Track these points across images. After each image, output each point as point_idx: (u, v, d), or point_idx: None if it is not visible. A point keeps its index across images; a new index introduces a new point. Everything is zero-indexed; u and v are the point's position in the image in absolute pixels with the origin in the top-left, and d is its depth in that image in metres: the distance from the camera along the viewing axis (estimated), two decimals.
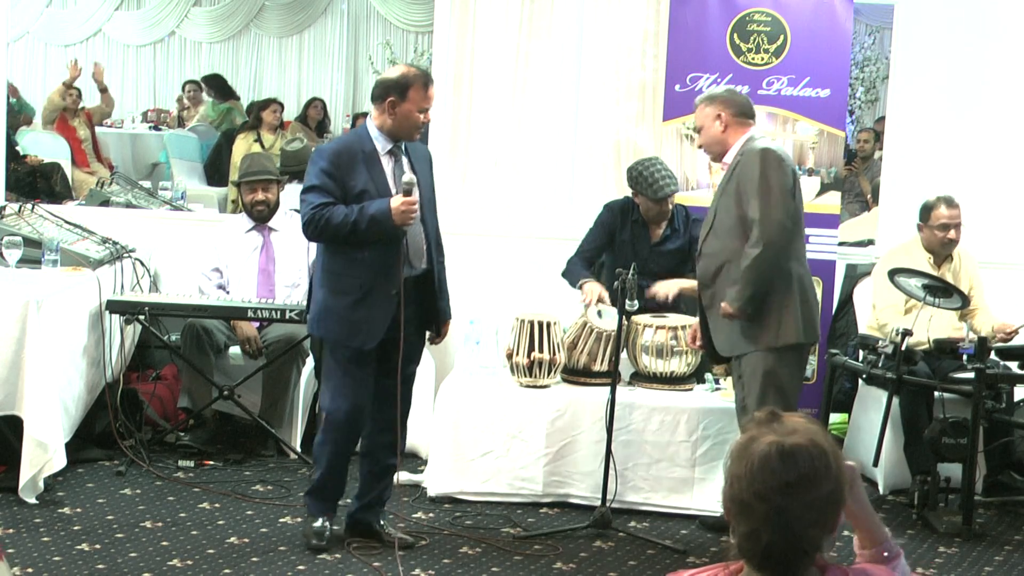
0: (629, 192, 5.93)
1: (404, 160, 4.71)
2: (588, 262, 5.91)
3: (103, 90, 11.31)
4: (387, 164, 4.67)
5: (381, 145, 4.66)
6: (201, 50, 14.27)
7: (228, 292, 6.16)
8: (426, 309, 4.79)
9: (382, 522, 4.93)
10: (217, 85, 12.29)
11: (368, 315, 4.63)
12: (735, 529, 2.13)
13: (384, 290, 4.62)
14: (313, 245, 5.09)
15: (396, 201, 4.52)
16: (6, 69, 7.69)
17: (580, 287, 5.69)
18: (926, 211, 5.94)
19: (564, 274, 5.88)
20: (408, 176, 4.62)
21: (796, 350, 4.91)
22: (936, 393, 5.50)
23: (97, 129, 10.75)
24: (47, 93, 11.60)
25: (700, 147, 5.10)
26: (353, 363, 4.70)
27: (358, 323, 4.63)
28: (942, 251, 5.94)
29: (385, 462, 4.86)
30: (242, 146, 10.23)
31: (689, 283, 5.68)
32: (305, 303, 4.98)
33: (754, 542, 2.10)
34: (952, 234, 5.89)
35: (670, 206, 5.83)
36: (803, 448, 2.10)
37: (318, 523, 4.85)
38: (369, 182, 4.60)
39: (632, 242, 5.87)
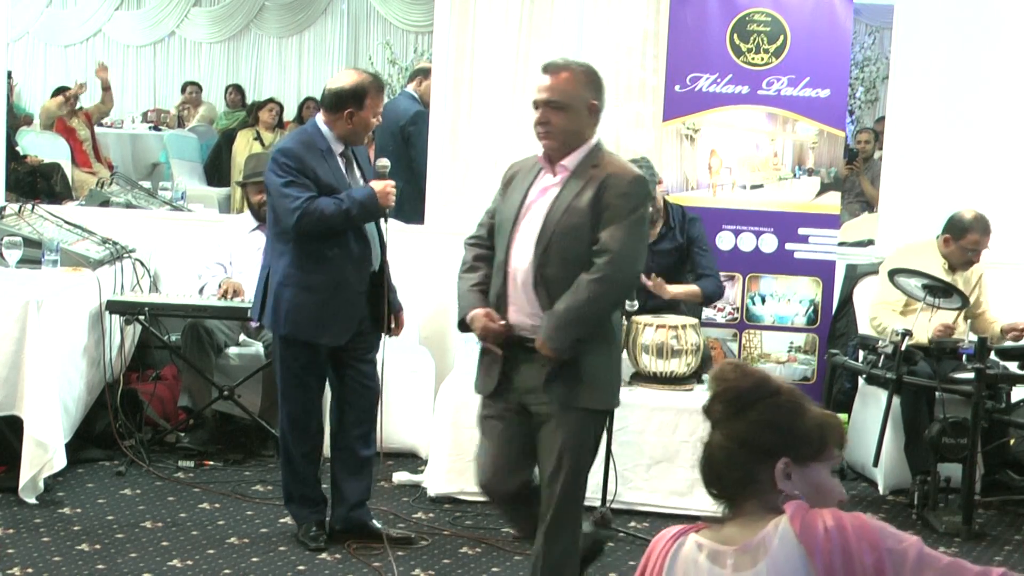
0: None
1: (354, 161, 4.82)
2: None
3: (106, 88, 11.32)
4: (341, 164, 4.75)
5: (335, 147, 4.73)
6: (201, 50, 14.26)
7: None
8: (375, 305, 4.80)
9: (375, 522, 4.93)
10: (239, 93, 12.40)
11: (339, 311, 4.68)
12: None
13: (354, 286, 4.69)
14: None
15: (379, 185, 4.69)
16: (6, 69, 7.69)
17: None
18: (960, 229, 5.88)
19: None
20: (383, 160, 4.84)
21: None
22: (937, 393, 5.50)
23: (97, 129, 10.75)
24: (47, 93, 11.60)
25: (545, 129, 3.86)
26: (307, 365, 4.76)
27: (329, 320, 4.68)
28: (960, 267, 5.95)
29: (361, 455, 4.88)
30: (242, 143, 10.25)
31: (685, 289, 5.71)
32: (260, 302, 4.85)
33: (701, 459, 2.22)
34: (978, 258, 5.91)
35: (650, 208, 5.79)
36: (760, 375, 2.20)
37: (311, 529, 4.87)
38: (331, 178, 4.68)
39: None
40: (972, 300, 5.92)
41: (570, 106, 3.84)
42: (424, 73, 7.47)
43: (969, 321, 6.00)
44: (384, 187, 4.67)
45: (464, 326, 3.97)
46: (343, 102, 4.66)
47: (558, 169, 3.87)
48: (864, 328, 6.25)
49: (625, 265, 3.80)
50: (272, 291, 4.73)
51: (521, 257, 3.85)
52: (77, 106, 10.33)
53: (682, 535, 2.22)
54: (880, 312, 5.85)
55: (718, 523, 2.20)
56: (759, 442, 2.14)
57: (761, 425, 2.14)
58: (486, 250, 4.01)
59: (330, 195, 4.61)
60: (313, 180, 4.61)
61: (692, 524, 2.25)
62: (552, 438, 3.86)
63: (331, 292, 4.65)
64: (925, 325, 5.62)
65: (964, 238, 5.86)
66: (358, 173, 4.81)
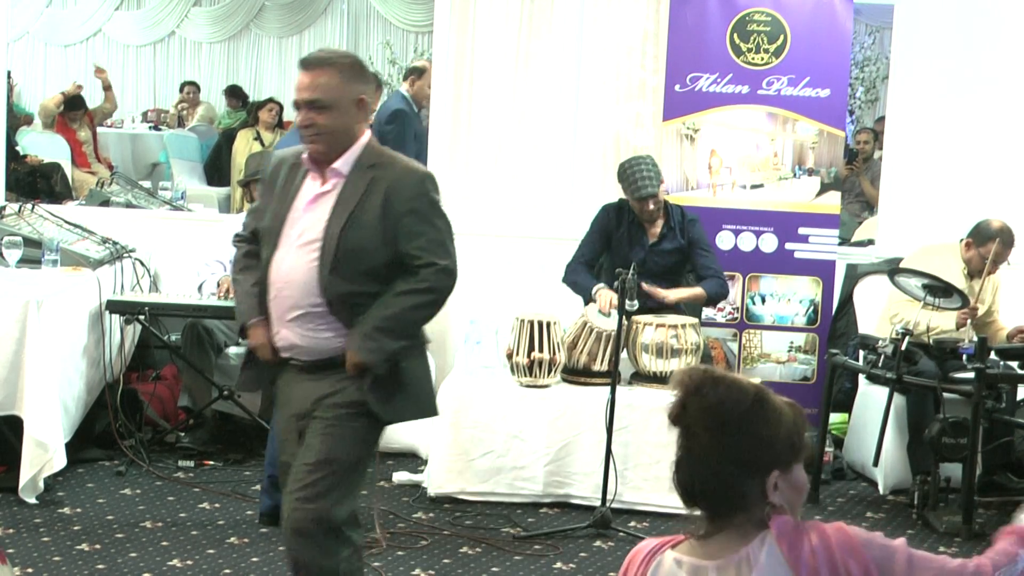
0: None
1: None
2: (589, 266, 5.89)
3: (107, 88, 11.34)
4: None
5: None
6: (201, 50, 14.28)
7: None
8: None
9: None
10: (238, 94, 12.40)
11: None
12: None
13: None
14: None
15: None
16: (6, 69, 7.69)
17: (596, 294, 5.64)
18: (984, 237, 5.89)
19: (568, 282, 5.85)
20: None
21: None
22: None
23: (98, 129, 10.76)
24: (47, 93, 11.62)
25: (311, 132, 3.46)
26: None
27: None
28: (977, 274, 5.96)
29: None
30: (242, 143, 10.26)
31: (688, 292, 5.71)
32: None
33: (676, 474, 2.13)
34: (994, 269, 5.92)
35: (652, 206, 5.78)
36: (731, 381, 2.11)
37: None
38: None
39: (629, 242, 5.86)
40: (984, 308, 5.93)
41: (336, 104, 3.45)
42: (417, 73, 7.42)
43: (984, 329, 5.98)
44: None
45: (243, 331, 3.64)
46: None
47: (329, 173, 3.49)
48: (865, 328, 6.25)
49: (452, 273, 3.52)
50: None
51: (294, 275, 3.47)
52: (80, 108, 10.32)
53: (658, 551, 2.17)
54: (901, 308, 5.84)
55: (697, 537, 2.14)
56: (749, 459, 2.08)
57: (750, 442, 2.08)
58: (257, 246, 3.65)
59: None
60: None
61: (668, 538, 2.20)
62: (323, 441, 3.47)
63: None
64: (937, 322, 5.66)
65: (985, 246, 5.86)
66: None
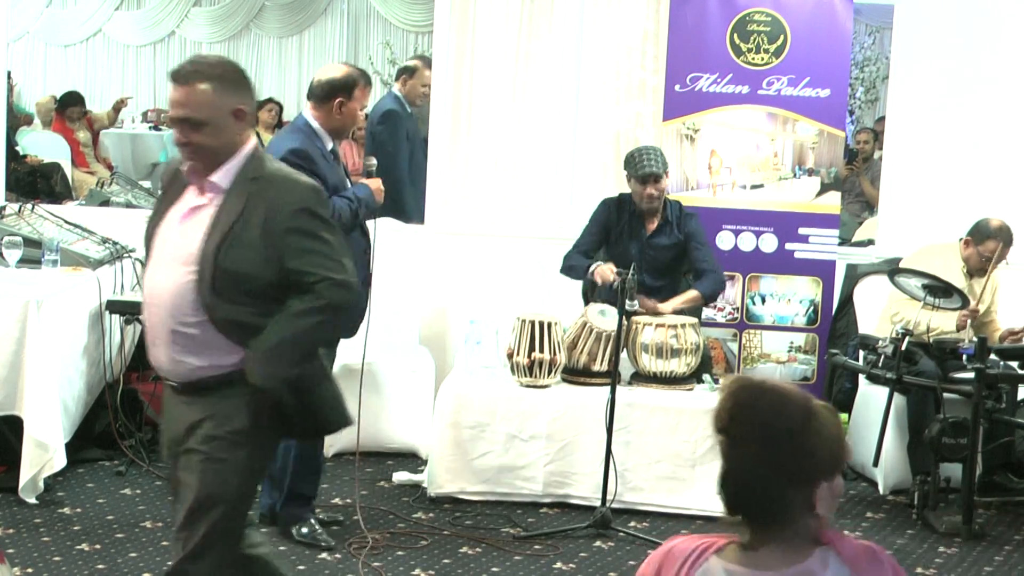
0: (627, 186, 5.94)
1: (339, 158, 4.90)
2: (586, 256, 5.90)
3: (116, 108, 11.43)
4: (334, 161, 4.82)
5: (328, 143, 4.78)
6: (201, 50, 14.23)
7: None
8: None
9: (313, 520, 4.95)
10: None
11: (352, 306, 4.69)
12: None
13: (360, 281, 4.69)
14: None
15: (374, 183, 4.85)
16: (6, 69, 7.69)
17: (592, 273, 5.64)
18: (982, 235, 5.89)
19: (565, 270, 5.85)
20: (371, 160, 5.02)
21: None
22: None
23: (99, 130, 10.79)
24: (47, 93, 11.62)
25: (188, 151, 3.26)
26: None
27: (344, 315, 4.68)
28: (976, 272, 5.96)
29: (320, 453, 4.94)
30: None
31: (684, 299, 5.70)
32: None
33: (723, 485, 2.10)
34: (993, 267, 5.91)
35: (653, 191, 5.75)
36: (782, 393, 2.09)
37: (303, 529, 4.87)
38: (336, 178, 4.74)
39: (628, 235, 5.87)
40: (984, 308, 5.93)
41: (210, 120, 3.20)
42: (408, 72, 7.39)
43: (983, 330, 5.98)
44: (377, 185, 4.85)
45: None
46: (334, 92, 4.70)
47: (207, 186, 3.25)
48: (865, 328, 6.25)
49: (350, 286, 3.29)
50: None
51: (165, 295, 3.23)
52: (76, 106, 10.34)
53: (700, 557, 2.12)
54: (902, 308, 5.84)
55: (742, 547, 2.11)
56: (797, 470, 2.06)
57: (799, 454, 2.06)
58: None
59: (334, 195, 4.64)
60: (323, 181, 4.61)
61: (706, 541, 2.15)
62: (201, 480, 3.24)
63: None
64: (946, 317, 5.66)
65: (984, 244, 5.86)
66: (341, 170, 4.88)
